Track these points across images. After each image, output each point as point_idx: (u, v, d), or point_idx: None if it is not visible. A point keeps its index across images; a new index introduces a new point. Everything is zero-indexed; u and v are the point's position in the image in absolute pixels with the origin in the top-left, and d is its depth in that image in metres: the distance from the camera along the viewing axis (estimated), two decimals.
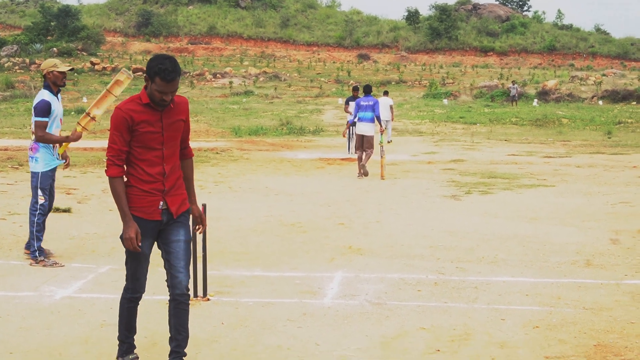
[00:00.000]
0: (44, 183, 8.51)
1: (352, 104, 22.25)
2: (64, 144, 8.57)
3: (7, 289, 7.56)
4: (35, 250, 8.50)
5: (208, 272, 7.40)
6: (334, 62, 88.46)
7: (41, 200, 8.50)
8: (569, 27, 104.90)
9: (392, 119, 28.08)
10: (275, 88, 59.28)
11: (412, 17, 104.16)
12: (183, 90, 54.61)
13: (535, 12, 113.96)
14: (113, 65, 69.98)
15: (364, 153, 17.23)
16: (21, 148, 21.36)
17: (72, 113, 35.53)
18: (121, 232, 5.15)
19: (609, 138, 27.75)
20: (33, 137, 8.47)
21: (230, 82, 61.80)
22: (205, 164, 18.82)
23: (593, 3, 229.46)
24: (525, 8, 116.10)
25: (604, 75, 63.63)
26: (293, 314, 6.88)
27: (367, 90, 17.97)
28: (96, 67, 68.74)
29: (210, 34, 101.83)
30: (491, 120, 36.63)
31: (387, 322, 6.66)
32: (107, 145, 5.13)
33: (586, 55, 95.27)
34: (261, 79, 66.83)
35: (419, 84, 66.16)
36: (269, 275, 8.30)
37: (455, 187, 15.32)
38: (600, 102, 46.01)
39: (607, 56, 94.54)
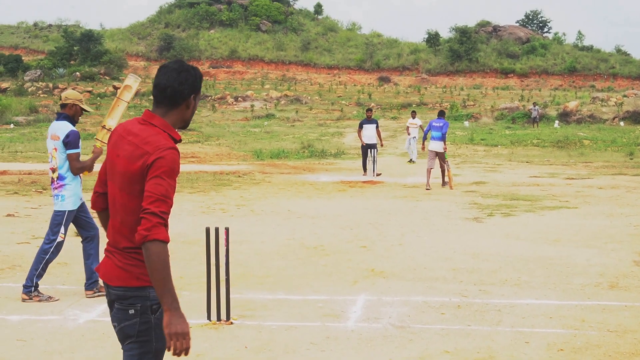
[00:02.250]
0: (69, 221, 8.25)
1: (366, 126, 22.81)
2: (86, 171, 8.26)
3: (31, 313, 7.62)
4: (32, 286, 8.13)
5: (231, 296, 7.43)
6: (354, 85, 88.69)
7: (61, 238, 8.19)
8: (590, 49, 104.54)
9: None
10: (297, 111, 59.43)
11: (433, 39, 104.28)
12: (205, 114, 54.92)
13: (555, 34, 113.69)
14: None
15: (440, 168, 19.95)
16: (45, 172, 21.52)
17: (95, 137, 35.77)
18: (171, 325, 3.57)
19: (631, 159, 27.61)
20: (55, 174, 8.14)
21: (252, 106, 62.07)
22: (227, 187, 18.90)
23: (613, 24, 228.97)
24: (546, 30, 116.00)
25: (625, 96, 63.28)
26: (316, 337, 6.89)
27: (441, 114, 20.69)
28: (118, 91, 69.31)
29: (232, 57, 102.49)
30: (512, 142, 36.53)
31: (410, 346, 6.66)
32: (152, 197, 3.60)
33: (607, 76, 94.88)
34: (282, 102, 67.06)
35: (440, 106, 66.04)
36: (292, 298, 8.31)
37: (477, 209, 15.30)
38: (622, 123, 45.78)
39: (628, 77, 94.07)
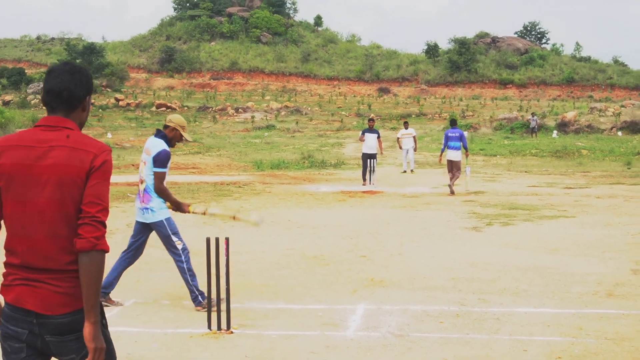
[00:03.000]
0: (174, 227, 8.17)
1: (368, 135, 23.03)
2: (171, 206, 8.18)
3: None
4: (197, 295, 8.17)
5: (231, 305, 7.47)
6: (354, 96, 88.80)
7: (179, 245, 8.14)
8: (588, 59, 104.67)
9: (415, 149, 28.38)
10: (297, 122, 59.51)
11: (432, 50, 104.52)
12: (205, 125, 55.02)
13: (553, 45, 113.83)
14: (137, 101, 70.55)
15: (453, 175, 20.49)
16: None
17: None
18: (96, 340, 3.43)
19: (629, 169, 27.68)
20: (142, 186, 8.14)
21: (252, 117, 62.14)
22: (228, 197, 18.95)
23: (611, 35, 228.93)
24: (544, 41, 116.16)
25: (622, 106, 63.31)
26: (316, 346, 6.93)
27: (453, 123, 21.69)
28: (120, 103, 69.40)
29: (232, 69, 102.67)
30: (511, 152, 36.62)
31: (409, 354, 6.70)
32: (100, 204, 3.45)
33: (605, 86, 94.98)
34: (283, 113, 67.15)
35: (439, 116, 66.22)
36: (292, 307, 8.36)
37: (476, 219, 15.34)
38: (620, 133, 45.82)
39: (626, 87, 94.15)
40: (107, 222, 3.45)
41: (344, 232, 13.69)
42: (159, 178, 8.04)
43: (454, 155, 20.50)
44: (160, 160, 8.02)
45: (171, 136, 8.26)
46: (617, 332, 7.31)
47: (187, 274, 8.13)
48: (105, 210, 3.43)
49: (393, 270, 10.33)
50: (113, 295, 8.59)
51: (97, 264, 3.36)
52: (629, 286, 9.27)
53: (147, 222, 8.18)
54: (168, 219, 8.15)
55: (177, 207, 8.15)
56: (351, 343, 7.03)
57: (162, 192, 8.07)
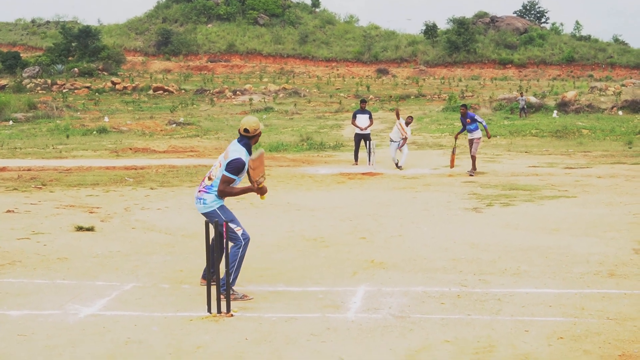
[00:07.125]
0: (229, 214, 8.04)
1: (360, 116, 23.22)
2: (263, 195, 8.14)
3: (31, 308, 7.62)
4: (229, 284, 7.84)
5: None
6: (353, 78, 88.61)
7: (239, 231, 7.95)
8: (588, 38, 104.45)
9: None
10: (295, 104, 59.34)
11: (430, 31, 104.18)
12: (203, 108, 54.86)
13: (553, 24, 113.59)
14: (134, 85, 70.34)
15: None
16: (44, 168, 21.52)
17: (94, 133, 35.78)
18: None
19: (630, 148, 27.59)
20: (208, 182, 8.05)
21: (250, 99, 61.97)
22: None
23: (611, 14, 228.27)
24: (543, 20, 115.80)
25: (623, 85, 63.22)
26: (316, 328, 6.90)
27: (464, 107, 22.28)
28: (117, 86, 69.13)
29: (230, 51, 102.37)
30: (511, 132, 36.51)
31: (411, 336, 6.67)
32: None
33: (605, 65, 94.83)
34: (281, 95, 66.98)
35: (438, 97, 66.08)
36: (292, 290, 8.33)
37: (476, 200, 15.30)
38: (620, 113, 45.68)
39: (626, 66, 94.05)
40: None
41: (343, 214, 13.66)
42: (224, 181, 7.94)
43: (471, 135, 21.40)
44: (234, 167, 7.91)
45: (254, 142, 8.24)
46: (619, 312, 7.28)
47: (237, 262, 7.95)
48: None
49: (393, 252, 10.29)
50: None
51: None
52: (630, 266, 9.24)
53: (200, 212, 8.13)
54: (221, 207, 8.05)
55: (252, 190, 8.08)
56: (352, 325, 7.01)
57: (224, 194, 7.99)
